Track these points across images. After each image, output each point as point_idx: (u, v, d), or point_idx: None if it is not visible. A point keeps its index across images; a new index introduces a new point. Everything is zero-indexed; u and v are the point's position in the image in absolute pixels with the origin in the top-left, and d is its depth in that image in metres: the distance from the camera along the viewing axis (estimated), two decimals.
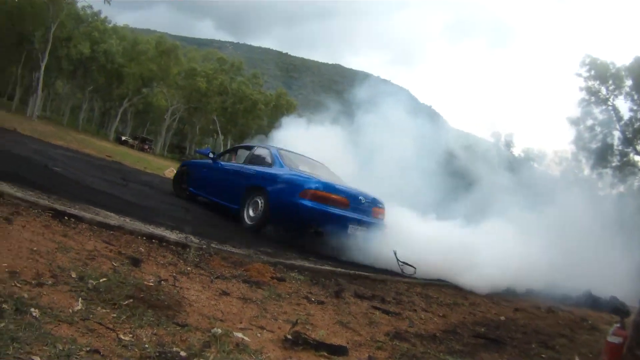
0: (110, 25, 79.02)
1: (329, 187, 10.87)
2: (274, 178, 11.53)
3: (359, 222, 10.80)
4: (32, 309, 3.96)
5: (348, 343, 5.44)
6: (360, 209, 11.03)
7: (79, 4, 67.64)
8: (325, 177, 11.73)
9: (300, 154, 13.89)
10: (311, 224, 10.62)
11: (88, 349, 3.64)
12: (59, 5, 58.33)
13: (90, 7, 72.93)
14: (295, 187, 10.77)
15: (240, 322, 5.27)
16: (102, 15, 76.49)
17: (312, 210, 10.34)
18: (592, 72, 54.69)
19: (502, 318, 8.71)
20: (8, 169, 9.64)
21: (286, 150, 13.18)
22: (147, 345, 3.99)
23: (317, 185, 10.73)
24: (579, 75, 56.08)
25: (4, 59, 76.04)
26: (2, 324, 3.57)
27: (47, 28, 60.64)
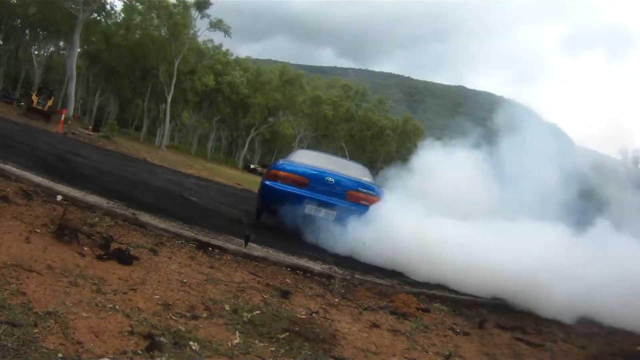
0: (232, 58, 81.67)
1: (289, 168, 11.22)
2: (269, 169, 12.31)
3: (321, 203, 10.74)
4: (191, 342, 4.05)
5: None
6: (325, 191, 10.92)
7: (200, 39, 70.34)
8: (322, 167, 11.73)
9: (327, 154, 14.74)
10: (269, 201, 11.28)
11: None
12: (180, 41, 60.84)
13: (211, 41, 75.85)
14: (268, 171, 11.77)
15: (394, 355, 5.27)
16: (224, 48, 79.31)
17: (268, 189, 10.97)
18: None
19: (639, 348, 8.32)
20: (147, 199, 10.01)
21: (311, 151, 13.38)
22: None
23: (279, 166, 11.40)
24: None
25: (130, 92, 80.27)
26: (163, 358, 3.64)
27: (170, 63, 63.34)
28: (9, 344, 3.24)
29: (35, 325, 3.61)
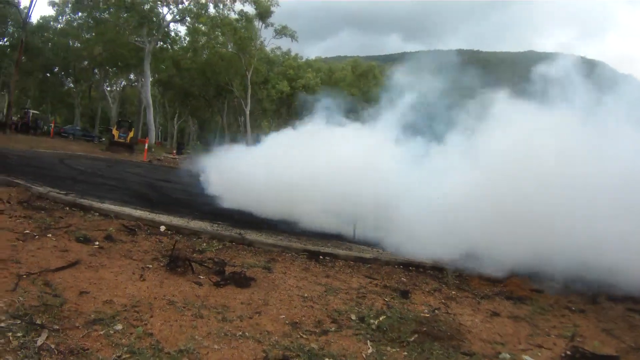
0: (303, 61, 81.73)
1: None
2: None
3: None
4: (326, 359, 4.00)
5: (617, 351, 5.32)
6: None
7: (267, 47, 70.74)
8: None
9: None
10: None
11: None
12: (249, 53, 61.24)
13: (279, 48, 76.21)
14: None
15: (519, 343, 5.22)
16: (293, 54, 79.57)
17: None
18: None
19: None
20: (244, 216, 9.97)
21: None
22: None
23: None
24: None
25: (207, 111, 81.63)
26: None
27: (242, 76, 63.92)
28: None
29: None
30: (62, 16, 61.43)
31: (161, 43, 61.51)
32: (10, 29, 57.20)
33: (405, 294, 6.20)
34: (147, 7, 52.56)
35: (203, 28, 62.23)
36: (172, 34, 63.85)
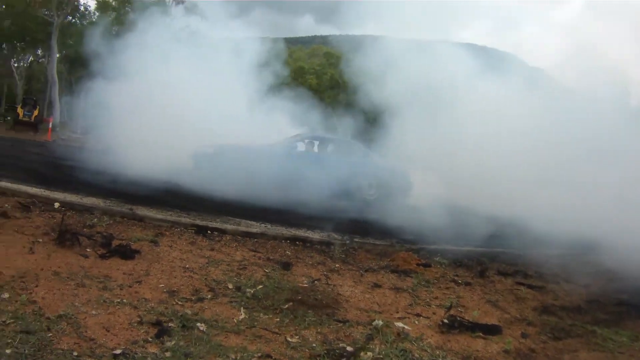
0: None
1: None
2: None
3: None
4: (198, 324, 4.23)
5: (500, 321, 5.53)
6: None
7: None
8: None
9: None
10: None
11: (259, 354, 3.86)
12: None
13: (188, 26, 74.87)
14: None
15: (397, 312, 5.44)
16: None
17: None
18: None
19: None
20: (143, 192, 9.92)
21: None
22: (314, 345, 4.20)
23: None
24: None
25: None
26: (173, 342, 3.82)
27: None
28: (26, 351, 3.40)
29: (49, 329, 3.79)
30: None
31: (70, 17, 59.48)
32: None
33: (287, 266, 6.43)
34: None
35: (113, 3, 60.52)
36: (82, 7, 61.75)
